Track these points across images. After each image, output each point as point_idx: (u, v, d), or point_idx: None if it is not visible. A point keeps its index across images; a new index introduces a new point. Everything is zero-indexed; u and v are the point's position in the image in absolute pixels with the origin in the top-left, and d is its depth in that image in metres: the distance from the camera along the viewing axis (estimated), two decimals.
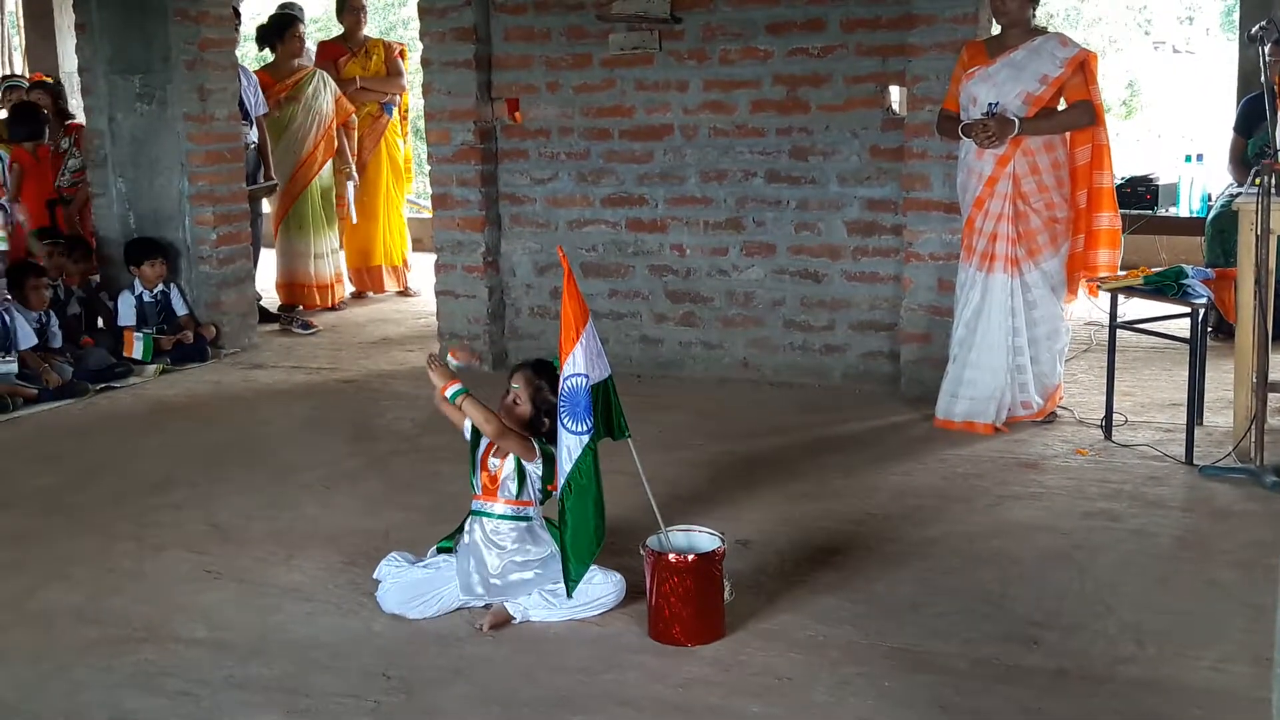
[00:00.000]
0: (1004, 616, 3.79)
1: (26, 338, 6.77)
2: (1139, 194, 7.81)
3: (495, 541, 3.88)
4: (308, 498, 5.01)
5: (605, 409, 3.75)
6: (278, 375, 7.21)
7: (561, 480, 3.69)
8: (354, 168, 9.22)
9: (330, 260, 9.13)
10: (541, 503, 3.94)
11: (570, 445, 3.67)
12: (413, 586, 3.90)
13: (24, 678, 3.56)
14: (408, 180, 10.03)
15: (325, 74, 8.95)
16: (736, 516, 4.61)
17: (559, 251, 3.86)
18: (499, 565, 3.86)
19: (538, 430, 3.89)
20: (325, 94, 8.86)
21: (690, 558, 3.67)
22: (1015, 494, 4.87)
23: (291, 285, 9.01)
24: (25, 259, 7.35)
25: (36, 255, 7.51)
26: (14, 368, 6.58)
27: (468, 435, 3.95)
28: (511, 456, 3.85)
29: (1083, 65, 5.49)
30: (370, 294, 9.60)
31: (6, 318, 6.63)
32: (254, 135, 8.47)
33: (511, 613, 3.83)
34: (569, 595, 3.78)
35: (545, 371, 3.91)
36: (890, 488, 4.98)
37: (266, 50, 9.22)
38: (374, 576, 3.98)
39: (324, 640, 3.76)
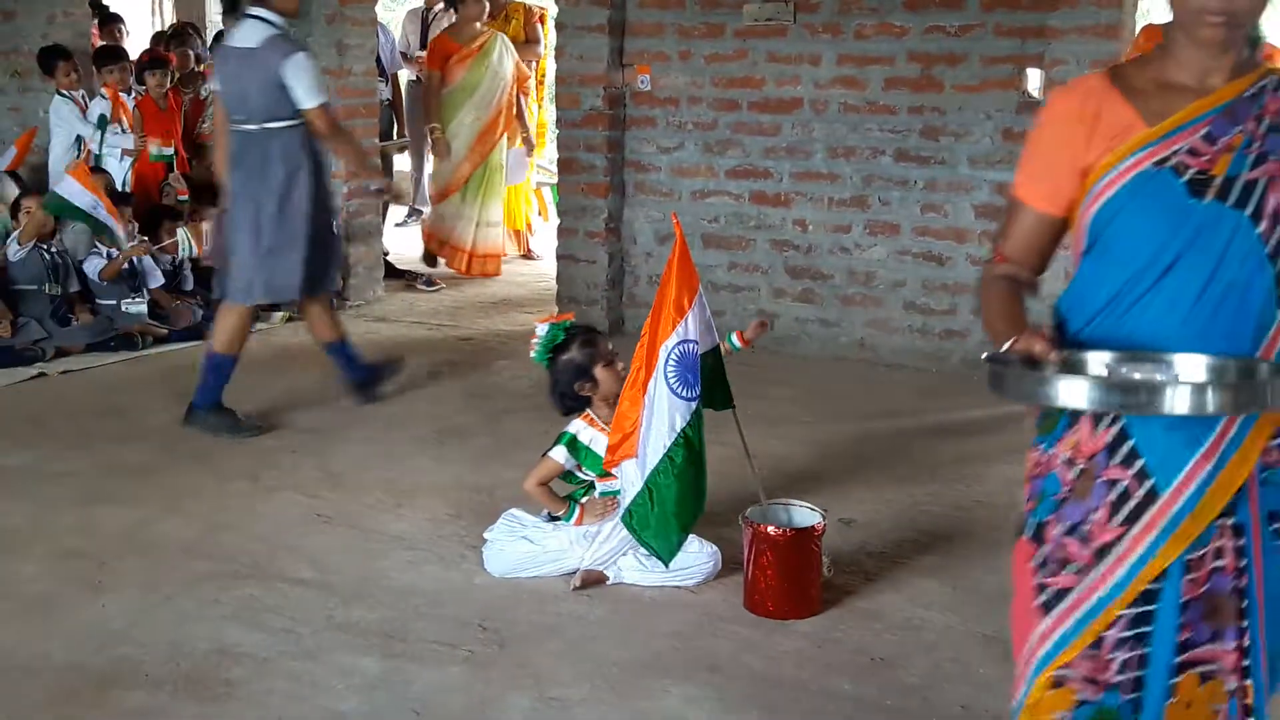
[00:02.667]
0: None
1: (155, 278, 6.98)
2: None
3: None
4: (419, 450, 5.09)
5: (709, 379, 3.75)
6: (399, 329, 7.32)
7: (659, 450, 3.68)
8: (533, 133, 9.21)
9: (491, 231, 8.95)
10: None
11: (675, 412, 3.66)
12: (518, 559, 3.92)
13: (133, 607, 3.68)
14: (540, 146, 10.02)
15: (505, 37, 8.88)
16: (842, 495, 4.57)
17: (673, 219, 3.86)
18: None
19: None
20: (507, 58, 8.77)
21: (788, 531, 3.66)
22: None
23: (443, 243, 9.01)
24: (161, 203, 7.53)
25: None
26: (144, 307, 6.78)
27: (570, 461, 3.97)
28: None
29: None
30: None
31: (135, 258, 6.82)
32: (388, 92, 8.58)
33: (606, 572, 3.85)
34: (665, 564, 3.78)
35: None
36: (1000, 476, 4.89)
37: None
38: (485, 536, 4.02)
39: (424, 589, 3.82)
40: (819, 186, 6.70)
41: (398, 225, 10.38)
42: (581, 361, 3.95)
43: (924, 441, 5.36)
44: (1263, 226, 2.11)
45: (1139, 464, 2.12)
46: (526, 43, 9.26)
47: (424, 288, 8.43)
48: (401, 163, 10.51)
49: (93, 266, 6.73)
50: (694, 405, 3.69)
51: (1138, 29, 5.82)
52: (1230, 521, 2.12)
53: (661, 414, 3.66)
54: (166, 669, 3.32)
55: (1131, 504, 2.12)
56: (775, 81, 6.72)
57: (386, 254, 8.55)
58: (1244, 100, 2.14)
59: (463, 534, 4.22)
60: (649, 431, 3.65)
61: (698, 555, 3.85)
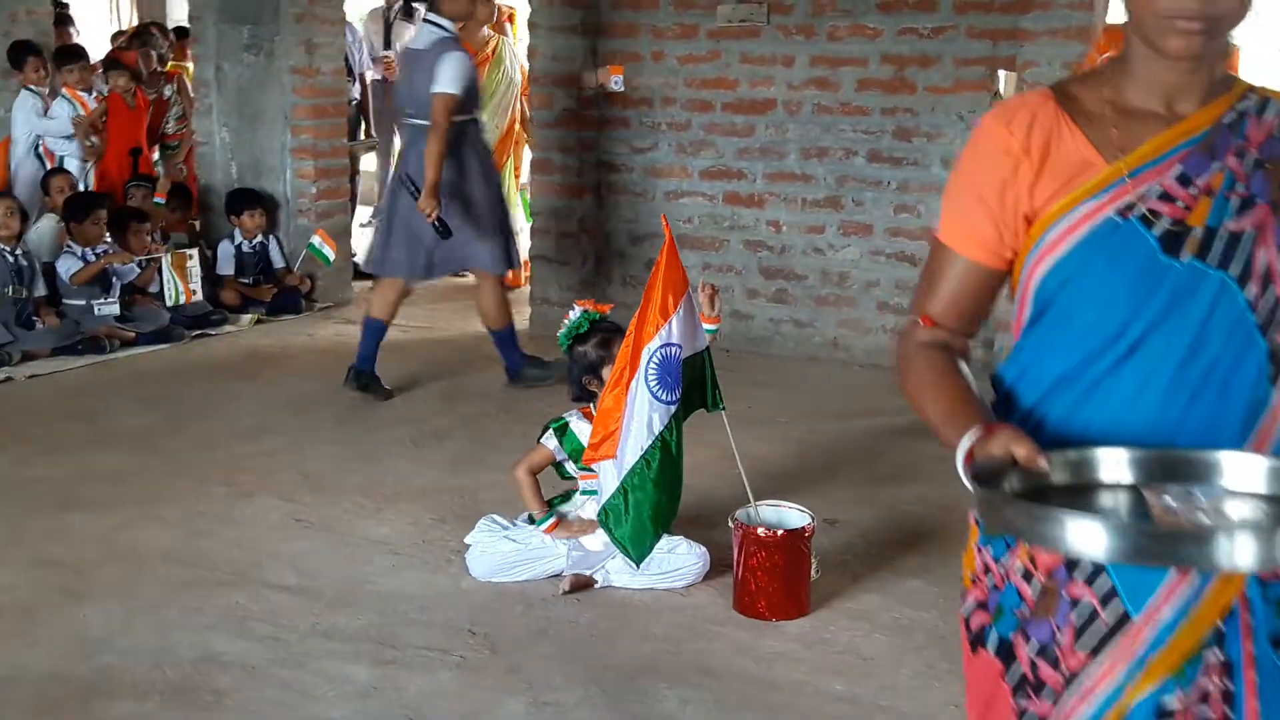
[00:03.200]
0: None
1: (130, 270, 6.91)
2: None
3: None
4: (397, 453, 5.05)
5: (702, 381, 3.74)
6: None
7: (636, 451, 3.66)
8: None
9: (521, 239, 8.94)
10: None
11: (653, 416, 3.64)
12: (501, 559, 3.89)
13: (115, 615, 3.63)
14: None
15: (510, 40, 8.75)
16: (823, 495, 4.56)
17: (663, 221, 3.85)
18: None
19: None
20: (516, 61, 8.72)
21: (779, 533, 3.65)
22: None
23: None
24: (128, 205, 7.44)
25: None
26: (115, 309, 6.70)
27: (561, 451, 3.96)
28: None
29: None
30: None
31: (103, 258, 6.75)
32: (356, 91, 8.52)
33: (594, 576, 3.82)
34: (636, 565, 3.75)
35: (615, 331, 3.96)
36: None
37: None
38: (465, 541, 3.99)
39: (411, 594, 3.79)
40: (792, 187, 6.70)
41: (362, 226, 10.31)
42: (594, 359, 3.96)
43: (902, 441, 5.35)
44: (1251, 291, 1.67)
45: (1105, 582, 1.68)
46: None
47: None
48: (368, 163, 10.43)
49: (66, 267, 6.63)
50: (673, 409, 3.67)
51: None
52: (1219, 656, 1.66)
53: (641, 416, 3.64)
54: (152, 678, 3.26)
55: (1097, 629, 1.68)
56: (749, 82, 6.71)
57: (353, 255, 8.49)
58: (1222, 129, 1.71)
59: (446, 538, 4.18)
60: (628, 433, 3.63)
61: (686, 557, 3.84)
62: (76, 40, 8.95)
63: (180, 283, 6.97)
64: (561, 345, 4.08)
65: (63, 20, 9.17)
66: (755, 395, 5.87)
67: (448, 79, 5.51)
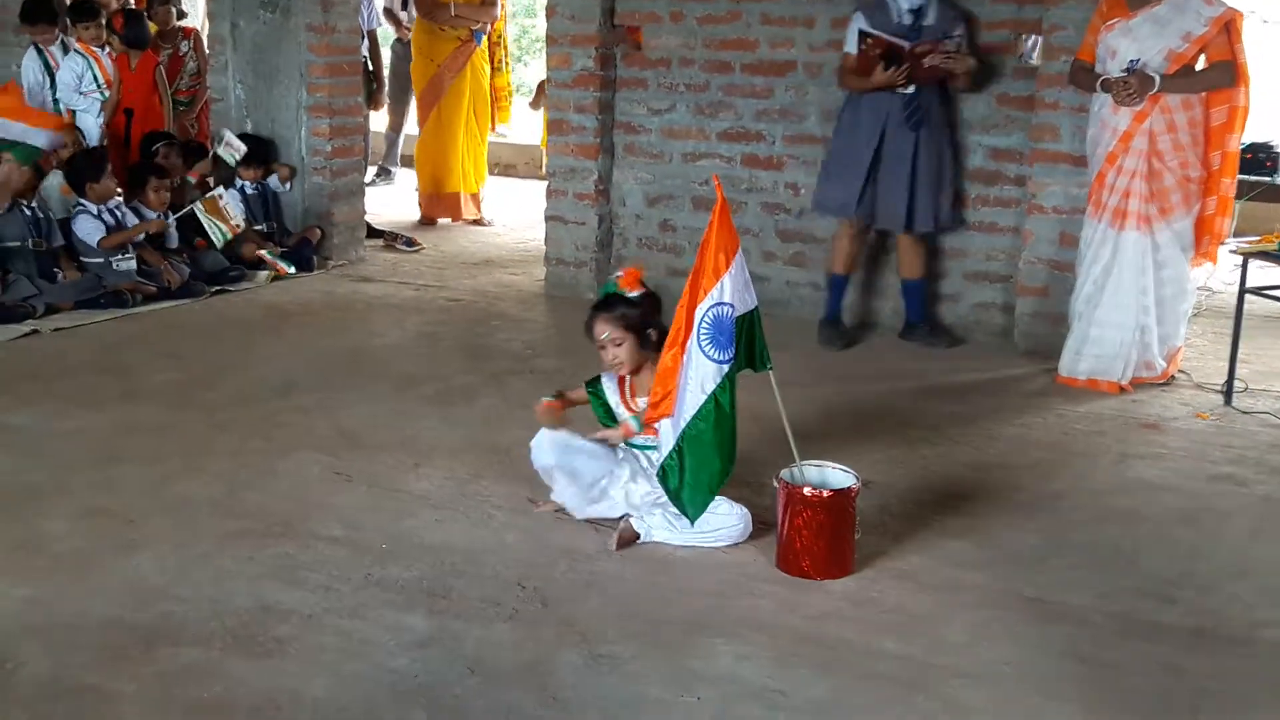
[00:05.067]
0: (1136, 573, 3.78)
1: (172, 237, 6.94)
2: (1259, 160, 7.70)
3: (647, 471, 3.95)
4: (428, 410, 5.07)
5: (749, 340, 3.76)
6: (386, 289, 7.28)
7: (691, 409, 3.69)
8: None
9: None
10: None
11: (706, 374, 3.67)
12: (567, 438, 3.95)
13: (168, 564, 3.65)
14: (505, 110, 9.93)
15: None
16: (854, 457, 4.54)
17: (715, 181, 3.86)
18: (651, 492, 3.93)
19: (655, 341, 3.93)
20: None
21: (826, 492, 3.68)
22: (1138, 453, 4.83)
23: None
24: (149, 161, 7.41)
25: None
26: (133, 264, 6.69)
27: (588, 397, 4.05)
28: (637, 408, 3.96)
29: (1228, 25, 5.37)
30: (446, 221, 9.40)
31: (119, 214, 6.74)
32: (365, 49, 8.50)
33: (636, 529, 3.86)
34: (691, 523, 3.79)
35: (612, 303, 3.96)
36: (1010, 438, 4.96)
37: None
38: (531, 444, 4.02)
39: (457, 547, 3.82)
40: (812, 150, 6.70)
41: (366, 185, 10.29)
42: (587, 328, 4.01)
43: (926, 403, 5.41)
44: None
45: None
46: (481, 5, 9.15)
47: (404, 248, 8.37)
48: (377, 122, 10.39)
49: (85, 228, 6.62)
50: (725, 368, 3.69)
51: None
52: None
53: (696, 375, 3.67)
54: (212, 626, 3.29)
55: None
56: (769, 43, 6.71)
57: (365, 214, 8.48)
58: None
59: (485, 493, 4.22)
60: (684, 392, 3.66)
61: (727, 517, 3.87)
62: None
63: (221, 223, 7.00)
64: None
65: None
66: (776, 358, 5.82)
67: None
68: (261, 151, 7.60)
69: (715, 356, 3.68)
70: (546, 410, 4.00)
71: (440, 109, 9.11)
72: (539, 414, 3.99)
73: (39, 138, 6.81)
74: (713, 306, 3.67)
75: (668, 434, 3.73)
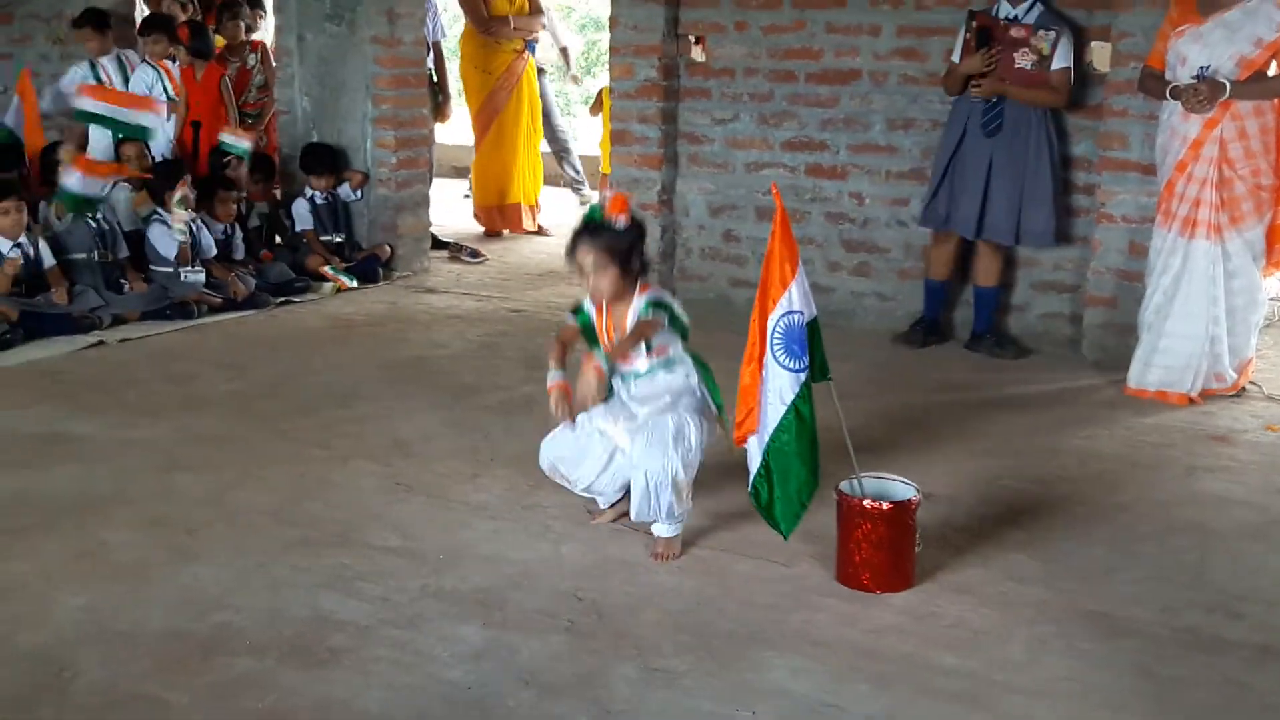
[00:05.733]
0: (1203, 587, 3.69)
1: (209, 247, 6.96)
2: None
3: (640, 394, 3.89)
4: (489, 420, 5.08)
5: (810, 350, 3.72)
6: (449, 300, 7.31)
7: (773, 421, 3.64)
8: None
9: None
10: (685, 337, 3.92)
11: (784, 384, 3.62)
12: (557, 442, 3.98)
13: (227, 572, 3.67)
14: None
15: None
16: (917, 469, 4.50)
17: (773, 189, 3.83)
18: (641, 408, 3.89)
19: (637, 272, 3.84)
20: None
21: (886, 505, 3.63)
22: (1206, 466, 4.74)
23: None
24: (218, 174, 7.50)
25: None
26: (202, 276, 6.77)
27: (577, 321, 3.99)
28: (629, 323, 3.84)
29: None
30: (506, 233, 9.38)
31: (193, 227, 6.81)
32: (430, 62, 8.54)
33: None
34: (785, 538, 3.73)
35: (598, 230, 3.80)
36: (1075, 450, 4.88)
37: None
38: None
39: (514, 558, 3.81)
40: (877, 159, 6.66)
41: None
42: (569, 252, 3.92)
43: (990, 415, 5.34)
44: None
45: None
46: (531, 14, 9.16)
47: (469, 260, 8.40)
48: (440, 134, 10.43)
49: (159, 236, 6.71)
50: (802, 377, 3.63)
51: None
52: None
53: (774, 387, 3.62)
54: (268, 636, 3.30)
55: None
56: (834, 52, 6.67)
57: (430, 225, 8.53)
58: None
59: (543, 504, 4.21)
60: (766, 406, 3.62)
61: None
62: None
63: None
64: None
65: None
66: (839, 369, 5.71)
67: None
68: (331, 160, 7.65)
69: (790, 366, 3.62)
70: (558, 398, 3.93)
71: (501, 121, 9.13)
72: (552, 403, 3.93)
73: (105, 190, 6.88)
74: (784, 315, 3.62)
75: (754, 450, 3.69)
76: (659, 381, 3.88)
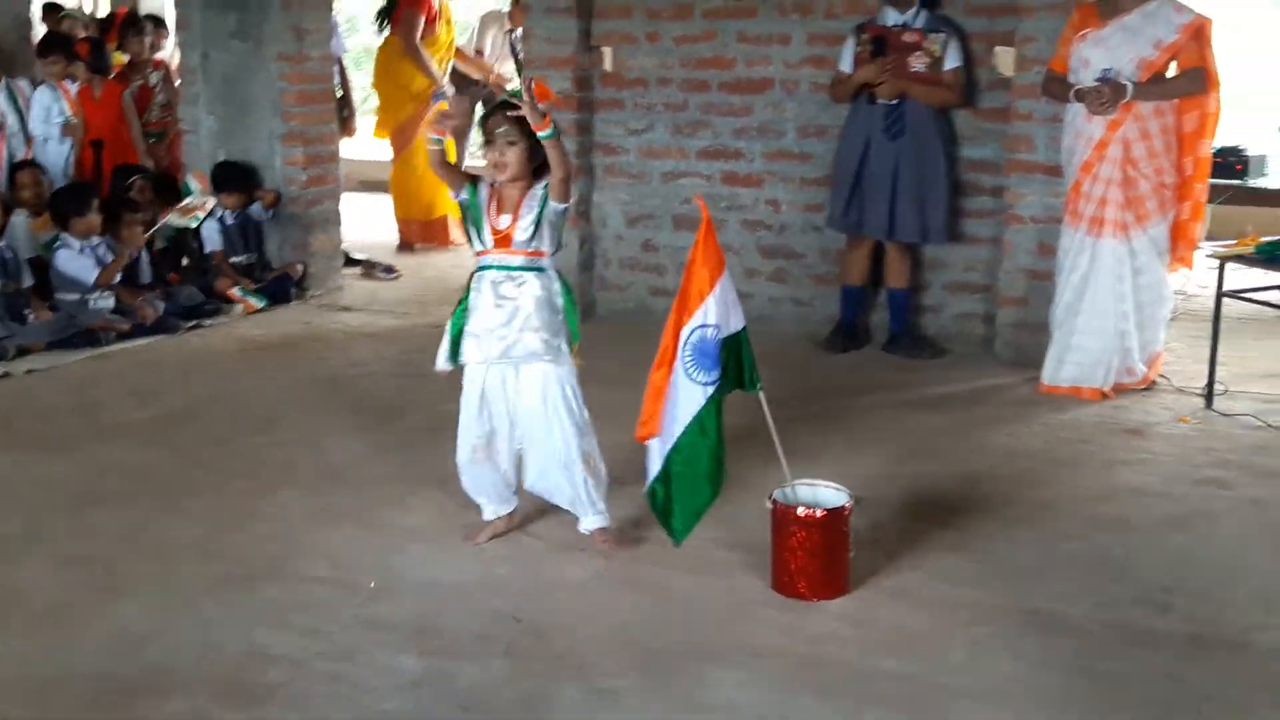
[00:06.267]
0: (1131, 580, 3.76)
1: (144, 272, 6.85)
2: (1229, 164, 7.70)
3: (506, 295, 3.85)
4: (414, 441, 5.02)
5: (738, 361, 3.73)
6: (365, 319, 7.22)
7: (678, 429, 3.65)
8: None
9: None
10: (554, 252, 3.90)
11: (690, 397, 3.63)
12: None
13: (154, 610, 3.59)
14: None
15: None
16: (844, 472, 4.51)
17: (698, 200, 3.83)
18: (507, 319, 3.85)
19: (542, 160, 3.79)
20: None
21: (819, 512, 3.65)
22: (1124, 460, 4.82)
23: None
24: (123, 195, 7.34)
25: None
26: (110, 302, 6.62)
27: (463, 196, 3.88)
28: (528, 210, 3.80)
29: (1198, 31, 5.39)
30: (418, 246, 9.23)
31: (99, 251, 6.67)
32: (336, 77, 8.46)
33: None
34: (677, 544, 3.75)
35: (515, 105, 3.74)
36: (997, 449, 4.94)
37: None
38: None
39: (449, 582, 3.77)
40: (791, 166, 6.71)
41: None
42: (483, 120, 3.94)
43: (912, 416, 5.39)
44: None
45: None
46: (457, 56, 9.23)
47: (383, 275, 8.32)
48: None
49: (69, 261, 6.54)
50: (709, 390, 3.66)
51: None
52: None
53: (681, 397, 3.64)
54: (200, 673, 3.23)
55: None
56: (745, 62, 6.71)
57: (342, 243, 8.43)
58: None
59: (475, 525, 4.16)
60: (672, 413, 3.63)
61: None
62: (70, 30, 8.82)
63: (198, 213, 6.96)
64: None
65: (52, 9, 9.06)
66: (761, 374, 5.86)
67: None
68: (242, 178, 7.52)
69: (699, 379, 3.65)
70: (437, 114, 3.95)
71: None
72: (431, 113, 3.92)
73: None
74: (697, 329, 3.64)
75: (655, 454, 3.69)
76: (527, 288, 3.85)
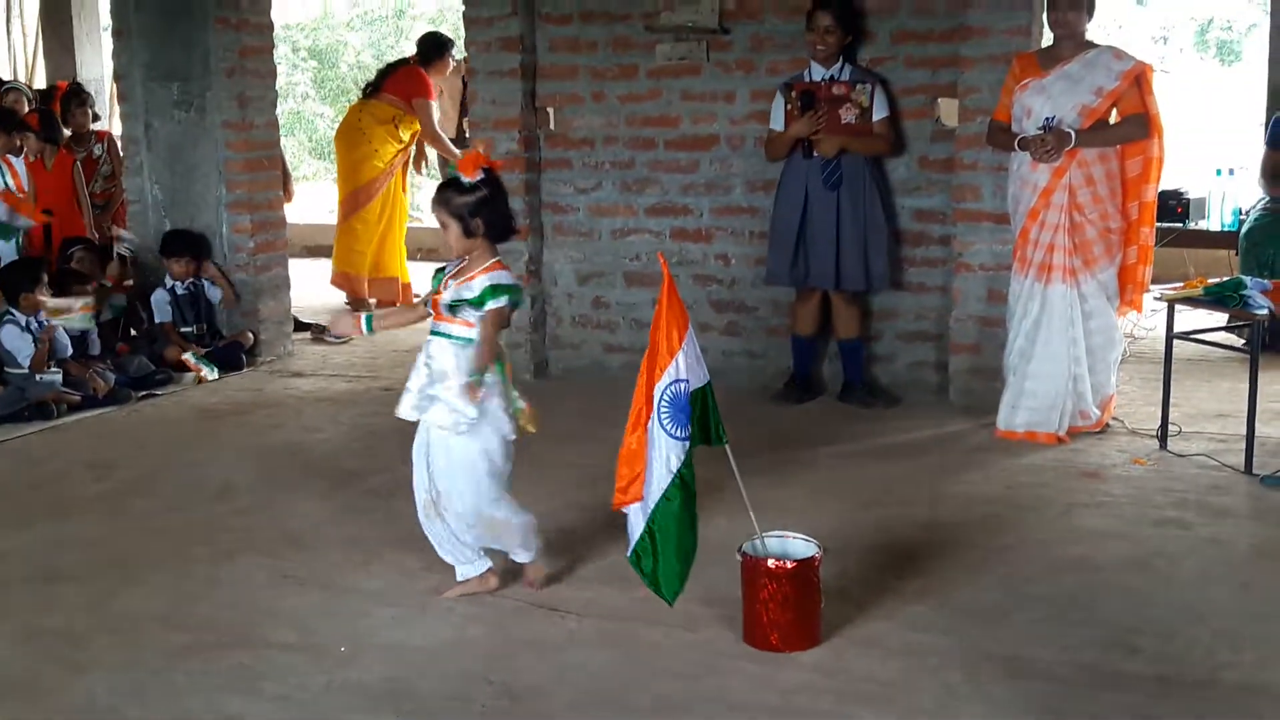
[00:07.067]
0: (1096, 623, 3.80)
1: (65, 346, 6.74)
2: (1170, 207, 7.85)
3: (431, 355, 3.96)
4: (373, 504, 5.00)
5: (702, 415, 3.75)
6: (318, 383, 7.19)
7: (658, 488, 3.66)
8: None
9: None
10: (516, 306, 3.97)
11: (671, 452, 3.64)
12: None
13: (121, 683, 3.53)
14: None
15: None
16: (808, 523, 4.51)
17: (660, 259, 3.87)
18: (429, 380, 3.98)
19: (480, 232, 3.88)
20: None
21: (789, 564, 3.67)
22: (1083, 502, 4.89)
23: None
24: (67, 267, 7.29)
25: None
26: (58, 376, 6.53)
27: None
28: (466, 288, 3.88)
29: (1139, 78, 5.52)
30: (375, 301, 9.15)
31: (45, 325, 6.60)
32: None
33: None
34: (670, 604, 3.73)
35: (446, 187, 3.93)
36: (957, 496, 4.99)
37: None
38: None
39: (417, 644, 3.75)
40: (739, 220, 6.77)
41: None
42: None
43: (871, 465, 5.44)
44: None
45: None
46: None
47: (333, 340, 8.28)
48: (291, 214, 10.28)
49: (12, 339, 6.46)
50: (686, 445, 3.67)
51: None
52: None
53: (660, 455, 3.64)
54: None
55: None
56: (691, 119, 6.78)
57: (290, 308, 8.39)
58: None
59: (441, 586, 4.14)
60: (651, 473, 3.63)
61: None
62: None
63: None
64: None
65: None
66: None
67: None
68: (193, 246, 7.47)
69: (676, 434, 3.65)
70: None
71: (386, 194, 9.06)
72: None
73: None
74: (671, 384, 3.66)
75: (637, 518, 3.69)
76: (447, 356, 3.91)
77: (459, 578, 4.08)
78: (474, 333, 3.88)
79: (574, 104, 6.98)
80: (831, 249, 6.20)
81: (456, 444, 3.94)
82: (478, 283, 3.88)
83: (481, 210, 3.87)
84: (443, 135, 8.99)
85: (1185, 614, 3.86)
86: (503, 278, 3.91)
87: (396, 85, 8.88)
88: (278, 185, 7.89)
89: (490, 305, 3.86)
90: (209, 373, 7.17)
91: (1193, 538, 4.50)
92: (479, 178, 3.87)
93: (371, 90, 9.03)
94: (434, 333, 3.98)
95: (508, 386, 3.98)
